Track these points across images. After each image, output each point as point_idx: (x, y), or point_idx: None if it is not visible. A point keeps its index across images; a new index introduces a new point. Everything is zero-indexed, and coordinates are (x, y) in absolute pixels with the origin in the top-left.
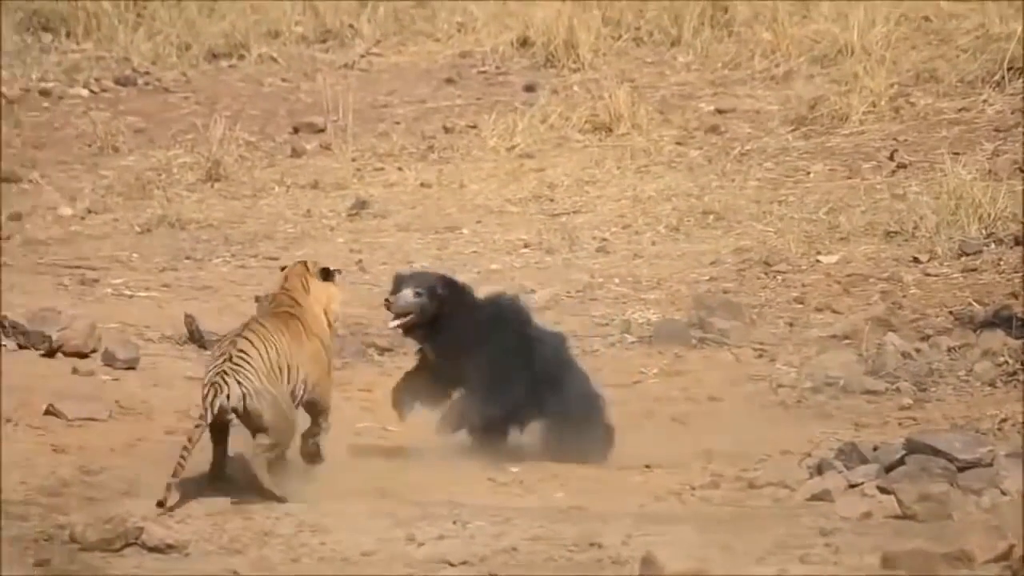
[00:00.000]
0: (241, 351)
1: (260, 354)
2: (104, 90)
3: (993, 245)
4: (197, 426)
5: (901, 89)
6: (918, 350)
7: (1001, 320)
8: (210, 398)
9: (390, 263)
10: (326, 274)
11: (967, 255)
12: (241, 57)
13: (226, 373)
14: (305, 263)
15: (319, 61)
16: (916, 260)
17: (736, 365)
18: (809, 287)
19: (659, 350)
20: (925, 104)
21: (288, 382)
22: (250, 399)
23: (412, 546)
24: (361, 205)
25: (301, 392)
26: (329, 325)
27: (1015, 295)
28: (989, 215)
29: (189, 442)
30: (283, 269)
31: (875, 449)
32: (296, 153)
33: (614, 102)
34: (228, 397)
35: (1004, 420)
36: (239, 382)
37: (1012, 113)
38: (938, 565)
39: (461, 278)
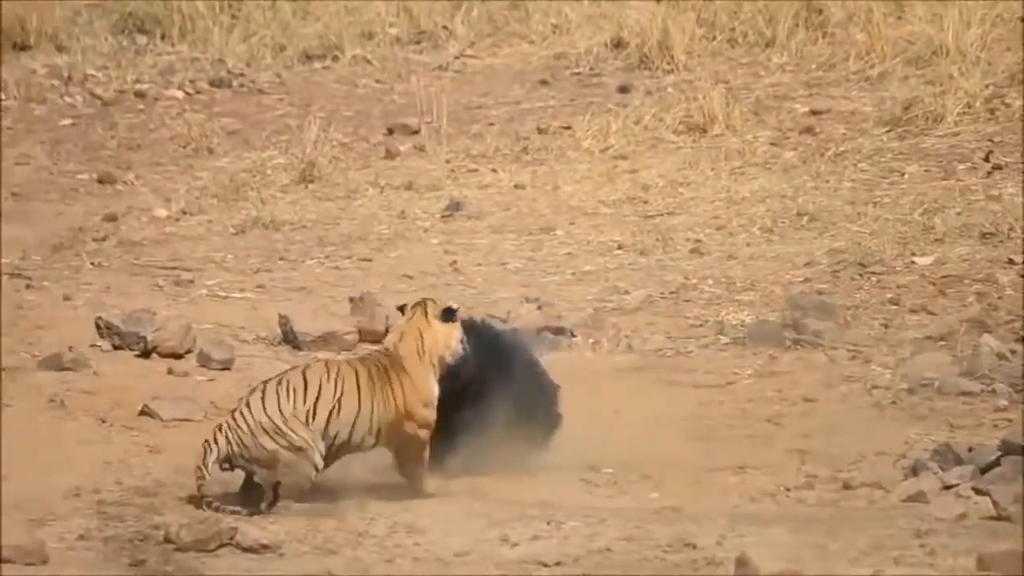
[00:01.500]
0: (246, 405)
1: (267, 405)
2: (199, 92)
3: None
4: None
5: (996, 90)
6: (1013, 351)
7: None
8: (202, 457)
9: (484, 264)
10: (448, 315)
11: None
12: (335, 58)
13: (219, 429)
14: (425, 310)
15: (413, 62)
16: (1011, 261)
17: (830, 366)
18: (904, 288)
19: (753, 351)
20: (1020, 105)
21: (329, 427)
22: (236, 458)
23: (506, 547)
24: (455, 206)
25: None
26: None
27: None
28: None
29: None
30: (401, 308)
31: (970, 450)
32: (390, 154)
33: (708, 103)
34: (217, 455)
35: None
36: (228, 440)
37: None
38: None
39: None
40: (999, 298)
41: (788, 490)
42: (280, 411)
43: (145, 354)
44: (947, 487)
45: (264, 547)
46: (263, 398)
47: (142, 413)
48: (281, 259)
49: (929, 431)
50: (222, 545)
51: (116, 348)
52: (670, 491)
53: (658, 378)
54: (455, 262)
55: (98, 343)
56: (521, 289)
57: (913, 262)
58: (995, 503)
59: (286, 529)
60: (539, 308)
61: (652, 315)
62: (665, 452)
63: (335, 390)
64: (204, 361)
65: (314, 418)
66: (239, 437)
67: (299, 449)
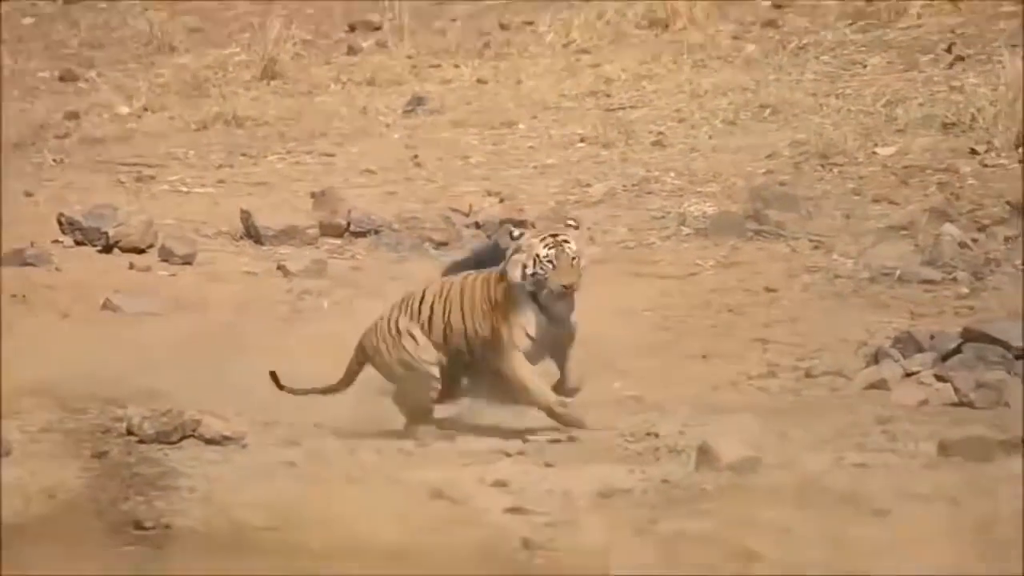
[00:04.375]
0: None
1: (390, 322)
2: None
3: None
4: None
5: None
6: (975, 240)
7: None
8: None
9: (446, 159)
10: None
11: None
12: None
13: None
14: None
15: None
16: (973, 151)
17: (792, 256)
18: (866, 179)
19: (715, 242)
20: None
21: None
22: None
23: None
24: (417, 102)
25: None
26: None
27: None
28: None
29: None
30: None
31: (932, 338)
32: (352, 51)
33: None
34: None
35: None
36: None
37: None
38: (994, 452)
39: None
40: (960, 188)
41: (750, 379)
42: (398, 325)
43: (107, 249)
44: (908, 374)
45: (227, 439)
46: (389, 316)
47: (104, 308)
48: (243, 155)
49: (891, 319)
50: (185, 437)
51: (78, 244)
52: (633, 381)
53: (621, 270)
54: (417, 156)
55: (60, 239)
56: (483, 183)
57: (875, 153)
58: (956, 389)
59: (250, 421)
60: (501, 201)
61: (615, 208)
62: (628, 342)
63: (445, 308)
64: (166, 256)
65: (430, 332)
66: (372, 344)
67: (411, 366)
